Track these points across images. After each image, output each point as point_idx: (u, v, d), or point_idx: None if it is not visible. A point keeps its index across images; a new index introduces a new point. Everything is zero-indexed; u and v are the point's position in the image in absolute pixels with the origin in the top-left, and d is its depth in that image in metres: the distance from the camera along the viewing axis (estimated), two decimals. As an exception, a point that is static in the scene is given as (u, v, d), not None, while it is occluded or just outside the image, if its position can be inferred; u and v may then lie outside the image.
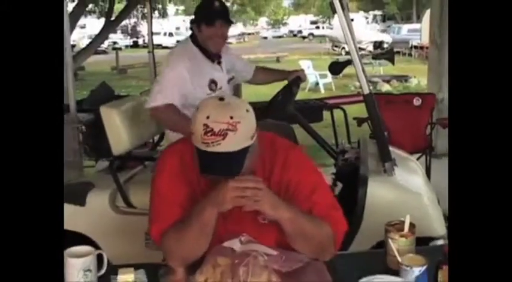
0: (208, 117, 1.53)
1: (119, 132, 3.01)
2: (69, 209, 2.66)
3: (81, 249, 1.65)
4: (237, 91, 4.95)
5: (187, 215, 1.67)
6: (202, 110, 1.57)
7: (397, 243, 1.64)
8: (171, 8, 27.42)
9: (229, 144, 1.53)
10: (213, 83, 3.13)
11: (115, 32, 24.53)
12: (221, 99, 1.59)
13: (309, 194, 1.73)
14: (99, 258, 1.66)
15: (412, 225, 1.68)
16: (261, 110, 3.00)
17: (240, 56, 3.96)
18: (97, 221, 2.96)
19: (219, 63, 3.26)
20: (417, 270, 1.53)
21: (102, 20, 15.93)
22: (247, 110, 1.59)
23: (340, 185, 3.28)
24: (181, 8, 35.77)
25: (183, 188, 1.73)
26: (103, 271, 1.66)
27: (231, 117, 1.53)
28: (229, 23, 3.12)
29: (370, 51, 23.66)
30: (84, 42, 19.33)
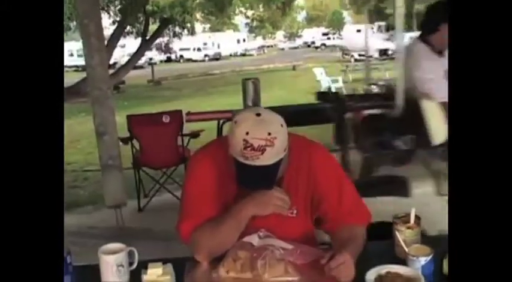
0: (247, 133, 1.47)
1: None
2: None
3: (113, 246, 1.61)
4: (256, 96, 4.89)
5: (224, 212, 1.62)
6: (241, 125, 1.50)
7: (404, 235, 1.57)
8: (198, 26, 27.51)
9: (267, 159, 1.49)
10: None
11: (150, 49, 24.72)
12: (258, 114, 1.52)
13: (338, 190, 1.70)
14: (131, 254, 1.62)
15: (417, 218, 1.60)
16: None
17: None
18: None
19: None
20: (423, 260, 1.46)
21: (139, 40, 16.14)
22: (281, 125, 1.53)
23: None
24: (208, 25, 35.93)
25: (216, 189, 1.67)
26: (134, 266, 1.62)
27: (269, 134, 1.47)
28: None
29: (376, 58, 23.48)
30: (124, 60, 19.53)
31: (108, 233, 3.95)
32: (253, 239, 1.59)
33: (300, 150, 1.69)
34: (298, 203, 1.68)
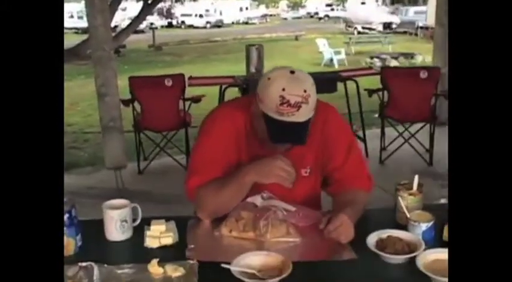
0: (284, 90, 1.48)
1: None
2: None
3: (118, 202, 1.62)
4: (260, 62, 4.86)
5: (229, 174, 1.62)
6: (276, 82, 1.50)
7: (406, 201, 1.57)
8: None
9: (302, 116, 1.50)
10: None
11: (152, 14, 24.41)
12: (292, 72, 1.53)
13: (346, 152, 1.73)
14: (134, 210, 1.63)
15: (419, 185, 1.61)
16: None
17: None
18: None
19: None
20: (424, 226, 1.47)
21: (141, 3, 15.89)
22: (312, 84, 1.54)
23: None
24: (211, -8, 35.38)
25: (228, 150, 1.67)
26: (138, 222, 1.63)
27: (305, 91, 1.49)
28: None
29: (380, 31, 23.25)
30: (125, 23, 19.28)
31: (107, 193, 3.97)
32: (257, 200, 1.60)
33: (317, 109, 1.67)
34: (311, 163, 1.71)
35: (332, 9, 47.46)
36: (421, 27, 22.27)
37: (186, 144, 4.79)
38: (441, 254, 1.36)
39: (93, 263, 1.38)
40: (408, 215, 1.52)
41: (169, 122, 4.65)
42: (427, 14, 21.33)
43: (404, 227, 1.52)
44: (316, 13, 48.62)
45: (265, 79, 1.53)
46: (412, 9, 27.57)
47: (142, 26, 22.60)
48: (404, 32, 23.57)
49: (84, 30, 26.97)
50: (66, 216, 1.47)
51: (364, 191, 1.72)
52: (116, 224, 1.56)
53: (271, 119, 1.52)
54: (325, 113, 1.72)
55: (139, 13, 15.49)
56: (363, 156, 1.81)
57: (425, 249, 1.38)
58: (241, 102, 1.75)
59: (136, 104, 4.72)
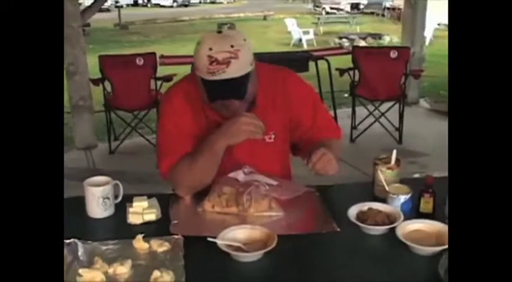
0: (211, 49, 1.49)
1: None
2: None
3: (99, 179, 1.61)
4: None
5: (198, 146, 1.62)
6: (204, 43, 1.52)
7: (385, 175, 1.61)
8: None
9: (233, 71, 1.49)
10: None
11: (117, -9, 23.84)
12: (219, 32, 1.56)
13: (312, 111, 1.76)
14: (116, 187, 1.62)
15: (397, 159, 1.66)
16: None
17: None
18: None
19: None
20: (403, 198, 1.52)
21: (106, -20, 15.50)
22: (244, 39, 1.55)
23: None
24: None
25: (190, 124, 1.67)
26: (119, 199, 1.62)
27: (232, 46, 1.49)
28: None
29: (347, 12, 23.33)
30: (89, 1, 18.78)
31: (79, 174, 3.90)
32: (239, 175, 1.61)
33: (271, 75, 1.72)
34: (275, 128, 1.71)
35: (300, -11, 47.27)
36: (388, 8, 22.44)
37: (157, 123, 4.74)
38: (419, 224, 1.41)
39: (76, 240, 1.37)
40: (387, 188, 1.56)
41: (141, 101, 4.59)
42: (394, -5, 21.51)
43: (382, 200, 1.56)
44: (284, -7, 48.33)
45: (196, 44, 1.55)
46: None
47: (108, 4, 22.07)
48: (372, 13, 23.69)
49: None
50: (47, 193, 1.46)
51: (336, 139, 1.79)
52: (98, 201, 1.55)
53: (205, 81, 1.53)
54: (281, 77, 1.74)
55: (105, -10, 15.11)
56: (326, 108, 1.86)
57: (404, 220, 1.43)
58: (190, 76, 1.73)
59: (106, 84, 4.64)
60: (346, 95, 5.67)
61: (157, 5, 35.99)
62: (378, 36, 14.08)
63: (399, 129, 4.87)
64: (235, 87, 1.52)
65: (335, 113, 5.25)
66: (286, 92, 1.72)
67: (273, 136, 1.72)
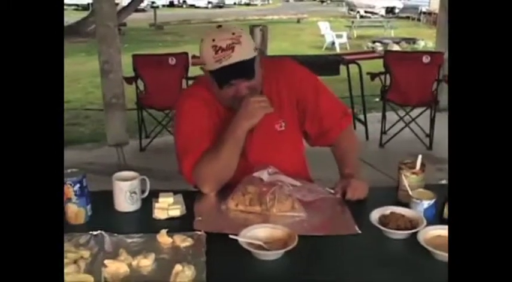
0: (214, 40, 1.58)
1: None
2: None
3: (127, 174, 1.65)
4: (263, 43, 4.87)
5: (218, 138, 1.66)
6: (206, 37, 1.61)
7: (409, 180, 1.61)
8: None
9: (239, 55, 1.57)
10: None
11: (153, -8, 24.18)
12: (219, 26, 1.67)
13: (315, 93, 1.80)
14: (143, 183, 1.66)
15: (422, 164, 1.65)
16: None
17: None
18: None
19: None
20: (426, 203, 1.51)
21: (142, -19, 15.75)
22: (242, 29, 1.65)
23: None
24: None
25: (206, 122, 1.71)
26: (146, 194, 1.66)
27: (233, 33, 1.59)
28: None
29: (382, 15, 23.11)
30: (126, 2, 19.10)
31: (108, 169, 3.99)
32: (263, 175, 1.63)
33: (271, 65, 1.78)
34: (285, 116, 1.76)
35: (335, -8, 47.06)
36: (424, 13, 22.10)
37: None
38: (441, 231, 1.40)
39: (103, 232, 1.42)
40: (411, 193, 1.56)
41: (172, 100, 4.59)
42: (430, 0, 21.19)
43: (405, 205, 1.55)
44: (319, -4, 48.20)
45: (200, 43, 1.63)
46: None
47: (144, 4, 22.40)
48: (407, 17, 23.38)
49: (84, 7, 26.74)
50: (77, 186, 1.51)
51: (346, 129, 1.83)
52: (126, 195, 1.60)
53: (213, 71, 1.60)
54: (281, 63, 1.83)
55: (141, -9, 15.36)
56: (331, 92, 1.87)
57: (426, 226, 1.42)
58: (200, 80, 1.81)
59: (139, 82, 4.74)
60: (377, 99, 5.63)
61: (193, 6, 36.35)
62: (412, 40, 13.88)
63: (430, 136, 4.80)
64: (243, 68, 1.59)
65: (365, 117, 5.22)
66: (288, 77, 1.79)
67: (283, 124, 1.77)
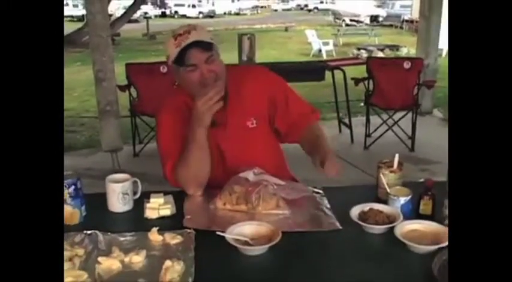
0: (173, 32, 1.67)
1: None
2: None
3: (120, 176, 1.68)
4: (251, 51, 4.90)
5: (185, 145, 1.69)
6: (168, 37, 1.69)
7: (387, 178, 1.64)
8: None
9: (196, 35, 1.64)
10: None
11: (146, 3, 24.20)
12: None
13: (284, 99, 1.83)
14: (135, 184, 1.68)
15: (400, 163, 1.69)
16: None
17: None
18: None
19: None
20: (403, 199, 1.55)
21: (135, -8, 15.74)
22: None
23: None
24: (203, -17, 35.10)
25: (181, 128, 1.72)
26: (138, 195, 1.69)
27: (189, 25, 1.68)
28: None
29: (367, 24, 23.29)
30: (119, 12, 19.10)
31: (104, 174, 3.97)
32: (249, 175, 1.66)
33: (239, 70, 1.85)
34: (255, 114, 1.80)
35: (321, 2, 47.22)
36: (407, 21, 22.30)
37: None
38: (417, 225, 1.44)
39: (97, 231, 1.44)
40: (388, 190, 1.59)
41: (164, 107, 4.67)
42: (412, 8, 21.37)
43: (384, 202, 1.59)
44: (306, 5, 48.35)
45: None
46: (398, 3, 27.58)
47: (137, 15, 22.42)
48: (390, 25, 23.57)
49: (79, 18, 26.62)
50: (72, 188, 1.53)
51: (314, 125, 1.86)
52: (118, 196, 1.62)
53: (177, 57, 1.64)
54: (250, 68, 1.94)
55: (134, 2, 15.35)
56: (299, 95, 1.91)
57: (402, 221, 1.46)
58: (172, 91, 1.86)
59: (132, 90, 4.75)
60: (361, 104, 5.68)
61: (184, 16, 36.38)
62: (395, 47, 14.01)
63: (412, 138, 4.86)
64: (202, 45, 1.64)
65: (350, 121, 5.27)
66: (260, 79, 1.84)
67: (254, 121, 1.80)
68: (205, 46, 1.65)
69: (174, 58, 1.65)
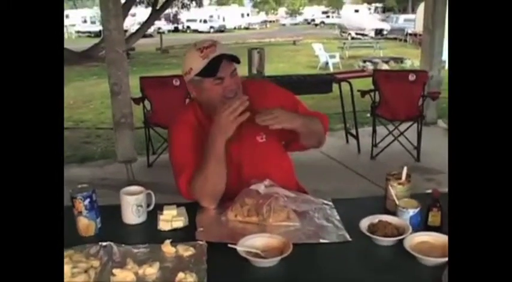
0: (195, 45, 1.66)
1: None
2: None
3: (134, 189, 1.66)
4: (261, 65, 4.89)
5: (202, 158, 1.64)
6: (189, 50, 1.68)
7: (396, 190, 1.61)
8: (205, -1, 27.03)
9: (221, 49, 1.64)
10: None
11: (159, 19, 24.39)
12: (195, 44, 1.71)
13: (293, 105, 1.79)
14: (148, 196, 1.67)
15: (408, 175, 1.65)
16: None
17: None
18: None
19: None
20: (411, 211, 1.52)
21: (149, 9, 15.89)
22: None
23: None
24: (214, -1, 35.35)
25: (193, 141, 1.71)
26: (152, 207, 1.67)
27: (210, 39, 1.69)
28: None
29: (372, 37, 23.27)
30: (134, 28, 19.26)
31: (119, 184, 3.99)
32: (259, 187, 1.64)
33: (251, 84, 1.80)
34: (264, 130, 1.72)
35: (328, 16, 47.46)
36: (410, 34, 22.26)
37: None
38: (426, 237, 1.41)
39: (112, 243, 1.43)
40: (397, 202, 1.56)
41: (177, 119, 4.68)
42: (415, 22, 21.31)
43: (393, 213, 1.56)
44: (313, 20, 48.57)
45: (183, 58, 1.70)
46: (402, 17, 27.62)
47: (151, 30, 22.58)
48: (395, 38, 23.54)
49: (96, 34, 26.94)
50: (87, 200, 1.52)
51: (319, 119, 1.79)
52: (132, 208, 1.60)
53: (201, 71, 1.62)
54: (260, 84, 1.88)
55: (148, 18, 15.50)
56: (306, 106, 1.88)
57: (411, 233, 1.43)
58: (186, 105, 1.86)
59: (146, 102, 4.76)
60: (367, 115, 5.64)
61: (196, 31, 36.70)
62: (400, 60, 13.96)
63: (417, 148, 4.81)
64: (229, 56, 1.63)
65: (357, 132, 5.24)
66: (269, 94, 1.80)
67: (264, 136, 1.78)
68: (233, 59, 1.65)
69: (200, 70, 1.63)
